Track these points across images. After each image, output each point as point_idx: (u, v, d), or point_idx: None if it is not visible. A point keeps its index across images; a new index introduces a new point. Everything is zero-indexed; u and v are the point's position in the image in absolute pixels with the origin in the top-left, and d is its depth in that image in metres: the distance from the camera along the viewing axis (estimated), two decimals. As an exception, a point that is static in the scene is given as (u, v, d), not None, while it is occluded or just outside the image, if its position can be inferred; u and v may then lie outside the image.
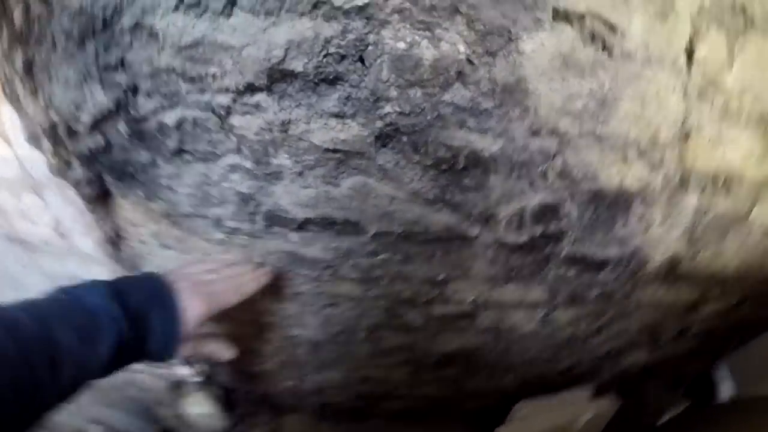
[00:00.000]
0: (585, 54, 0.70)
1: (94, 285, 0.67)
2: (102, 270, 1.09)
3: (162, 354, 0.73)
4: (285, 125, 0.71)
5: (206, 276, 0.79)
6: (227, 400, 2.00)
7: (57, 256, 1.12)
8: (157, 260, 1.03)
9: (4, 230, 1.12)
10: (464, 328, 1.16)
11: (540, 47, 0.68)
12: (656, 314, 1.23)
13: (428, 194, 0.79)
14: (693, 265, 1.04)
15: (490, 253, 0.91)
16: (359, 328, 1.12)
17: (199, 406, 1.95)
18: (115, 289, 0.67)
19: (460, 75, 0.68)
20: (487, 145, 0.75)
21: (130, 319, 0.66)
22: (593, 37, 0.69)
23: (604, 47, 0.70)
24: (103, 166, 0.85)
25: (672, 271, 1.05)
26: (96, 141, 0.80)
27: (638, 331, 1.32)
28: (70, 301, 0.63)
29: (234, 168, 0.78)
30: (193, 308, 0.73)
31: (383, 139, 0.71)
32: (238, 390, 1.95)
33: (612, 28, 0.69)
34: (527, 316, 1.11)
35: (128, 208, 0.92)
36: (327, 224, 0.83)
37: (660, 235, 0.95)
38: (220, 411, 1.96)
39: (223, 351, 0.88)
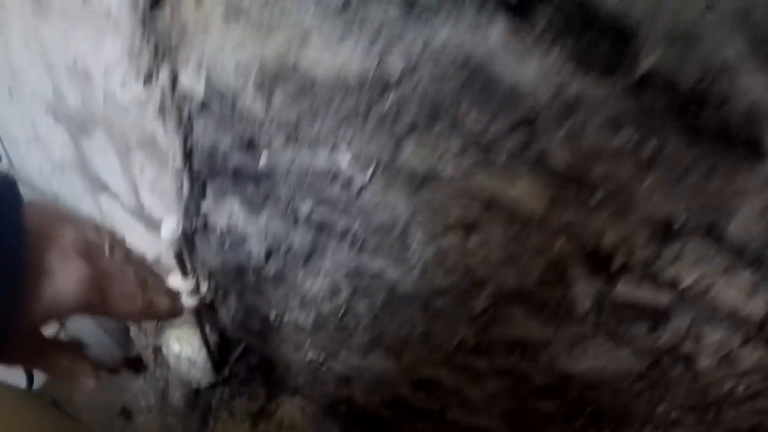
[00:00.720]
0: None
1: None
2: (116, 46, 0.88)
3: None
4: None
5: (112, 265, 0.56)
6: (219, 352, 1.62)
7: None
8: (208, 45, 0.78)
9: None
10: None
11: None
12: None
13: None
14: None
15: None
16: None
17: (183, 346, 1.57)
18: None
19: None
20: None
21: None
22: None
23: None
24: None
25: None
26: None
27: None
28: None
29: None
30: (66, 282, 0.49)
31: None
32: (236, 341, 1.55)
33: None
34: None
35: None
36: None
37: None
38: (206, 361, 1.58)
39: (82, 378, 0.60)
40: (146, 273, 0.59)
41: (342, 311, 1.01)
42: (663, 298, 1.07)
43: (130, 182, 1.32)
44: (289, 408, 1.67)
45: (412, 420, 1.34)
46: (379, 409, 1.34)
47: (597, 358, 1.14)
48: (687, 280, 1.06)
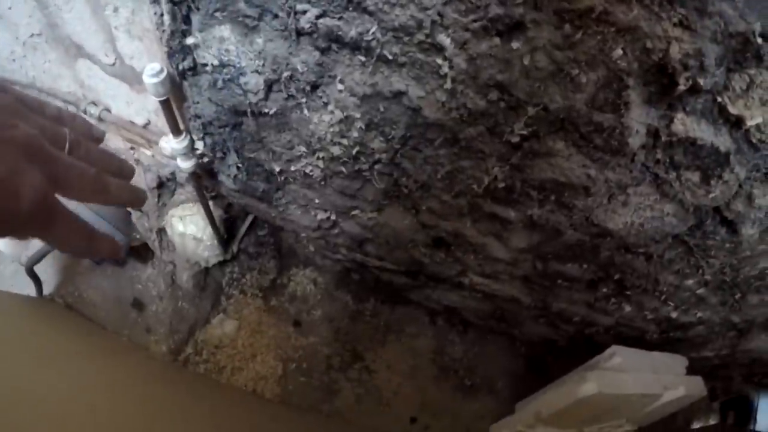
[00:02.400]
0: None
1: None
2: None
3: None
4: None
5: (53, 149, 0.41)
6: (225, 228, 1.54)
7: None
8: None
9: None
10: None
11: None
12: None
13: None
14: None
15: None
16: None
17: (187, 224, 1.49)
18: None
19: None
20: None
21: None
22: None
23: None
24: None
25: None
26: None
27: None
28: None
29: None
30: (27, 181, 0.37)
31: None
32: (242, 213, 1.47)
33: None
34: None
35: None
36: None
37: None
38: (212, 238, 1.51)
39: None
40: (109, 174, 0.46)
41: (355, 151, 0.88)
42: (724, 140, 0.94)
43: (105, 32, 1.15)
44: (301, 280, 1.64)
45: (427, 287, 1.28)
46: (393, 277, 1.28)
47: (638, 212, 1.04)
48: (754, 119, 0.92)
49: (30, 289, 1.71)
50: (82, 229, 0.43)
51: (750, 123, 0.90)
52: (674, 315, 1.37)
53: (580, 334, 1.48)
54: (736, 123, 0.89)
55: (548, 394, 1.37)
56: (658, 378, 1.37)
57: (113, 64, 1.23)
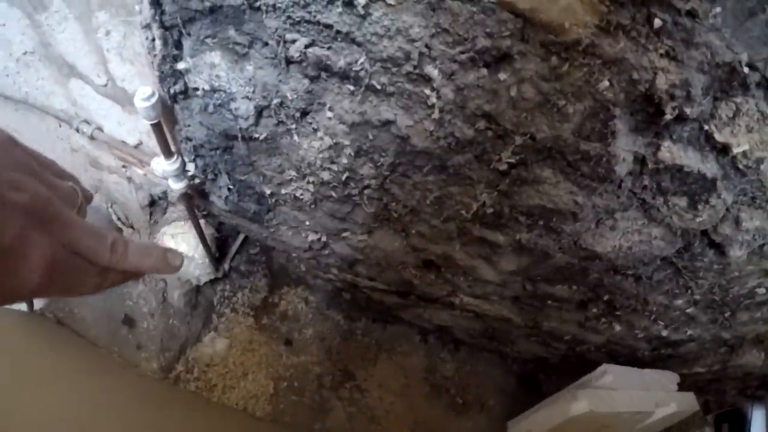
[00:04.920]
0: None
1: None
2: None
3: None
4: None
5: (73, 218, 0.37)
6: (216, 246, 1.54)
7: None
8: None
9: None
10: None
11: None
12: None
13: None
14: None
15: None
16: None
17: (178, 242, 1.48)
18: None
19: None
20: None
21: None
22: None
23: None
24: None
25: None
26: None
27: None
28: None
29: None
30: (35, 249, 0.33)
31: None
32: (233, 232, 1.46)
33: None
34: None
35: None
36: None
37: None
38: (204, 257, 1.51)
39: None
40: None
41: (345, 177, 0.88)
42: (711, 167, 0.95)
43: (97, 53, 1.15)
44: (293, 299, 1.63)
45: (417, 307, 1.28)
46: (384, 296, 1.28)
47: (625, 236, 1.04)
48: (741, 146, 0.93)
49: (21, 305, 1.69)
50: (92, 274, 0.39)
51: (736, 150, 0.91)
52: (665, 333, 1.37)
53: (572, 351, 1.49)
54: (722, 150, 0.90)
55: (540, 412, 1.37)
56: (650, 395, 1.38)
57: (105, 85, 1.23)
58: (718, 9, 0.72)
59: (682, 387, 1.53)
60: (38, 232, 0.34)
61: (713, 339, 1.40)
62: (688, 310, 1.32)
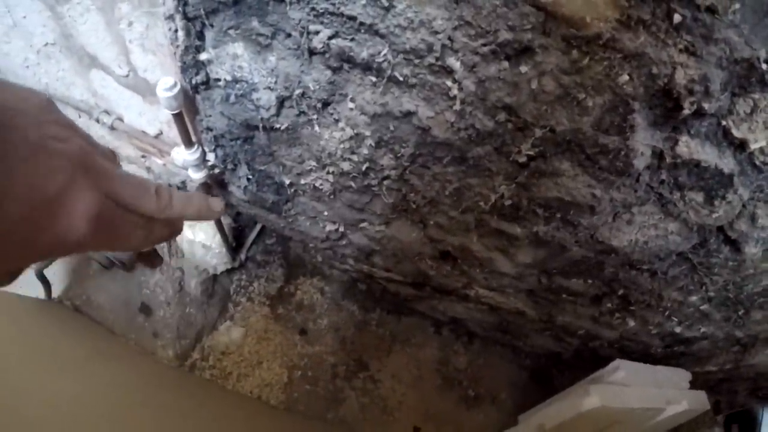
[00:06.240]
0: None
1: None
2: None
3: None
4: None
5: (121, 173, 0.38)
6: (234, 236, 1.56)
7: None
8: None
9: None
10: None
11: None
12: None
13: None
14: None
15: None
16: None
17: (196, 231, 1.51)
18: None
19: None
20: None
21: None
22: None
23: None
24: None
25: None
26: None
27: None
28: None
29: None
30: (72, 212, 0.33)
31: None
32: (251, 222, 1.48)
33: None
34: None
35: None
36: None
37: None
38: (221, 246, 1.53)
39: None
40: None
41: (365, 167, 0.90)
42: (728, 162, 0.95)
43: (119, 44, 1.17)
44: (308, 289, 1.66)
45: (432, 299, 1.29)
46: (400, 288, 1.29)
47: (642, 231, 1.05)
48: (758, 142, 0.93)
49: (39, 292, 1.73)
50: (140, 226, 0.39)
51: (754, 146, 0.91)
52: (678, 330, 1.37)
53: (585, 347, 1.49)
54: (740, 146, 0.90)
55: (552, 406, 1.38)
56: (661, 392, 1.38)
57: (127, 76, 1.25)
58: (738, 5, 0.72)
59: (694, 386, 1.52)
60: (84, 182, 0.33)
61: (726, 337, 1.39)
62: (702, 307, 1.31)
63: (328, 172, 0.95)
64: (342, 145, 0.88)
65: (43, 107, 0.34)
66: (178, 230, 0.45)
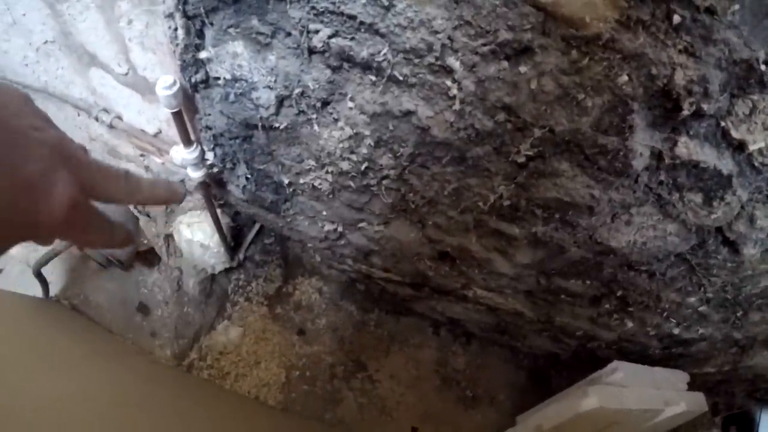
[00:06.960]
0: None
1: None
2: None
3: None
4: None
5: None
6: (232, 235, 1.56)
7: None
8: None
9: None
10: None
11: None
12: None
13: None
14: None
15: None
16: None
17: (194, 231, 1.51)
18: None
19: None
20: None
21: None
22: None
23: None
24: None
25: None
26: None
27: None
28: None
29: None
30: (59, 184, 0.35)
31: None
32: (249, 222, 1.48)
33: None
34: None
35: None
36: None
37: None
38: (219, 245, 1.53)
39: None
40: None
41: (364, 167, 0.90)
42: (727, 163, 0.95)
43: (119, 43, 1.17)
44: (307, 289, 1.66)
45: (431, 299, 1.29)
46: (398, 288, 1.29)
47: (640, 232, 1.05)
48: (757, 143, 0.93)
49: (36, 290, 1.73)
50: (106, 226, 0.41)
51: (753, 147, 0.91)
52: (676, 331, 1.37)
53: (583, 348, 1.49)
54: (738, 147, 0.90)
55: (550, 407, 1.38)
56: (660, 393, 1.38)
57: (126, 74, 1.25)
58: (737, 6, 0.72)
59: (692, 387, 1.52)
60: (63, 170, 0.35)
61: (724, 339, 1.40)
62: (700, 309, 1.32)
63: (327, 172, 0.95)
64: (341, 145, 0.88)
65: (21, 101, 0.36)
66: (133, 240, 0.49)
